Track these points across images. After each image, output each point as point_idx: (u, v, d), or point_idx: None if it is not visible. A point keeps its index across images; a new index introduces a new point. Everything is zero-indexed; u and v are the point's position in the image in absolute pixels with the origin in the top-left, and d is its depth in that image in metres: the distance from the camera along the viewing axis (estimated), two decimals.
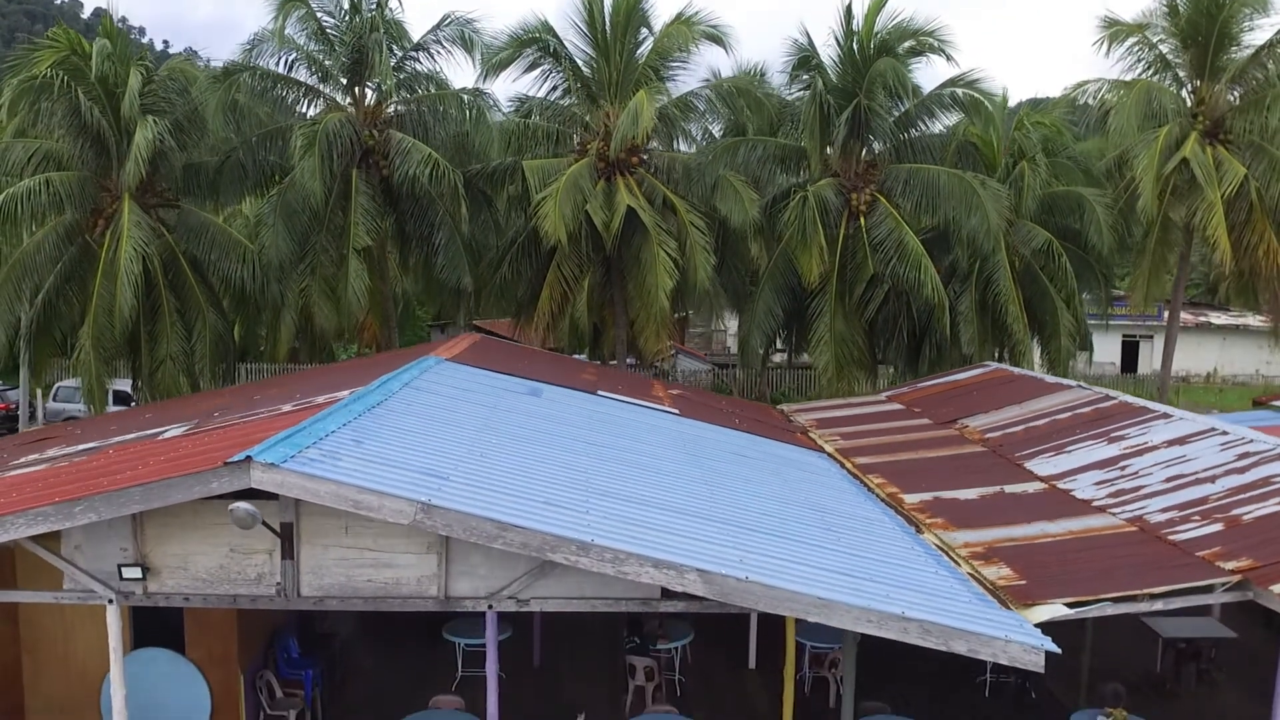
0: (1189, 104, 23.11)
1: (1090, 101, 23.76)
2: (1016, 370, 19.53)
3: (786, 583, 7.67)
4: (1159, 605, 8.96)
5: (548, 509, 8.12)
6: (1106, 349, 43.73)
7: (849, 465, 14.11)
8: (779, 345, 33.19)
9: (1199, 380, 44.93)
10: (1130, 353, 46.18)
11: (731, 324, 36.75)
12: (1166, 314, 35.08)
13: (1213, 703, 12.97)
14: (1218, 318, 48.18)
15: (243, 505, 7.37)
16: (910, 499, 12.16)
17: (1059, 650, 7.79)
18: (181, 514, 8.28)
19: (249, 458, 7.40)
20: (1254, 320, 46.18)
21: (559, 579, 8.33)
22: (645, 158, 23.04)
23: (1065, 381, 17.49)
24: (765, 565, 8.01)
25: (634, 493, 9.58)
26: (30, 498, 8.19)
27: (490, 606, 8.29)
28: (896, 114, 22.87)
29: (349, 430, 9.07)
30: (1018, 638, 7.70)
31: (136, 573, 8.28)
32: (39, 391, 28.23)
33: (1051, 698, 13.01)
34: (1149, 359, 44.46)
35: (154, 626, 11.11)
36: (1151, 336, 45.51)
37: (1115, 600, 8.75)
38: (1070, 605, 8.62)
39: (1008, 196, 21.20)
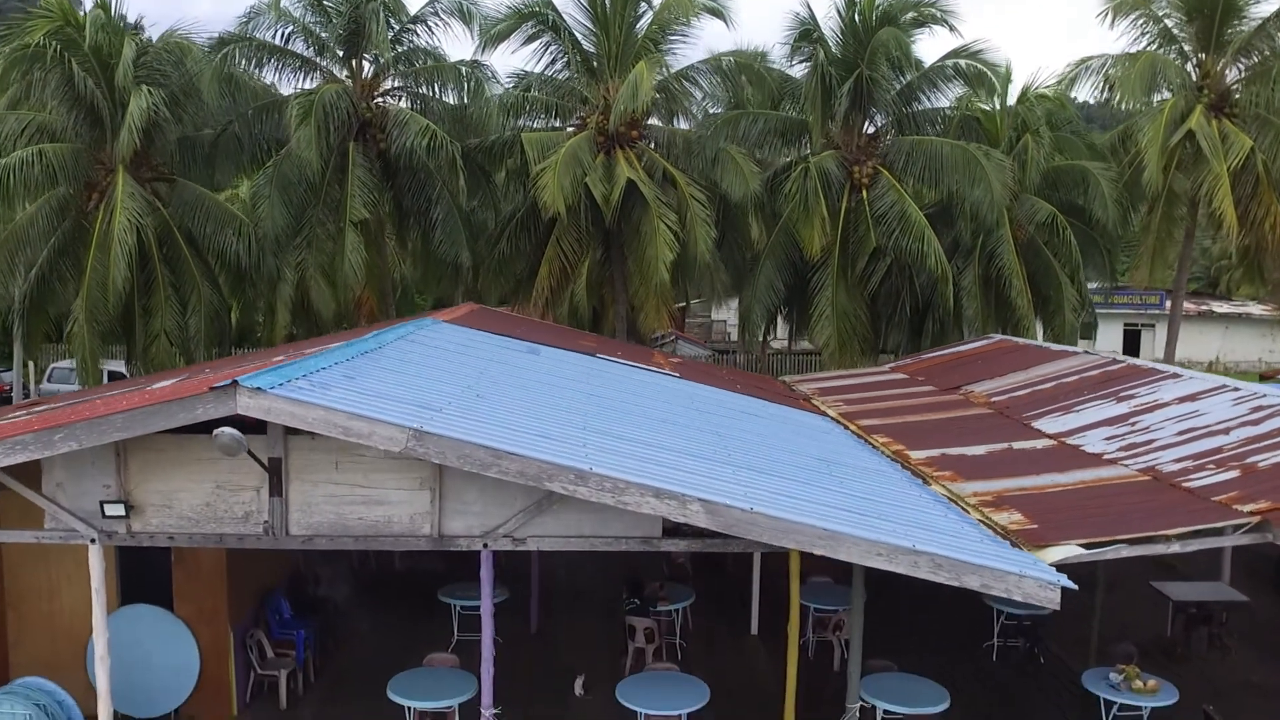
0: (1194, 78, 22.84)
1: (1093, 82, 23.46)
2: (1021, 340, 19.28)
3: (793, 515, 7.41)
4: (1176, 547, 8.69)
5: (544, 441, 7.86)
6: (1109, 338, 43.58)
7: (853, 427, 13.84)
8: (779, 329, 32.95)
9: (1201, 368, 44.68)
10: (1132, 342, 45.97)
11: (731, 315, 36.53)
12: (1169, 303, 34.94)
13: (1224, 666, 12.70)
14: (1220, 306, 47.97)
15: (228, 430, 7.11)
16: (917, 455, 11.89)
17: (1075, 587, 7.54)
18: (166, 449, 8.03)
19: (235, 383, 7.14)
20: (1256, 309, 46.00)
21: (556, 516, 8.07)
22: (645, 132, 22.81)
23: (1070, 349, 17.24)
24: (771, 501, 7.74)
25: (635, 435, 9.33)
26: (8, 429, 7.93)
27: (485, 545, 8.03)
28: (899, 86, 22.60)
29: (341, 368, 8.81)
30: (1033, 573, 7.44)
31: (120, 510, 8.02)
32: (32, 373, 27.96)
33: (1060, 662, 12.75)
34: (1151, 348, 44.24)
35: (141, 582, 10.86)
36: (1153, 325, 45.35)
37: (1131, 542, 8.47)
38: (1085, 546, 8.35)
39: (1011, 168, 20.92)
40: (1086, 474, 10.55)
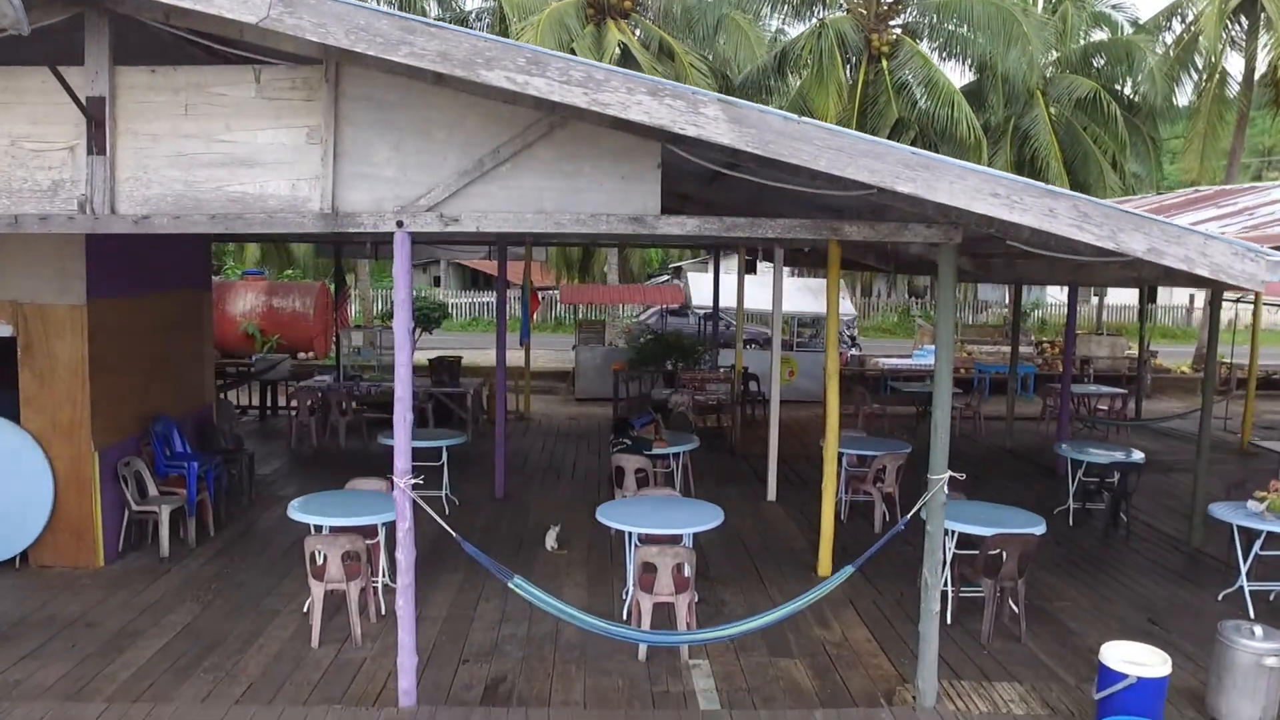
0: None
1: None
2: None
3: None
4: None
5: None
6: (1123, 293, 41.19)
7: None
8: None
9: None
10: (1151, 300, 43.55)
11: None
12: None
13: None
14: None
15: None
16: None
17: None
18: None
19: None
20: None
21: (504, 184, 5.54)
22: (640, 1, 20.42)
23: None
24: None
25: None
26: None
27: (400, 225, 5.48)
28: None
29: None
30: (1224, 239, 4.94)
31: None
32: None
33: (1152, 528, 10.27)
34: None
35: None
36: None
37: None
38: None
39: (1054, 24, 18.49)
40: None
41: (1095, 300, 29.77)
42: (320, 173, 5.50)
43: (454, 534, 5.86)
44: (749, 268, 14.12)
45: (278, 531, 9.41)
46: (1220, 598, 7.95)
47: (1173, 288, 33.65)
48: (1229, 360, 19.04)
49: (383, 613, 7.32)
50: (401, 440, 5.54)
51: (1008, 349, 17.02)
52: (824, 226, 5.58)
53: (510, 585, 5.76)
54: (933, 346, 11.70)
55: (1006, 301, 30.65)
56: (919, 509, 5.82)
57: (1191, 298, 39.17)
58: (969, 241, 7.86)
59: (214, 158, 5.53)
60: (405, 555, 5.60)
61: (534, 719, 5.67)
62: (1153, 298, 37.82)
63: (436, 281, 40.65)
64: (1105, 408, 15.46)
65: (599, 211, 5.52)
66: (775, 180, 5.66)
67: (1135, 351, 19.35)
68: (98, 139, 5.50)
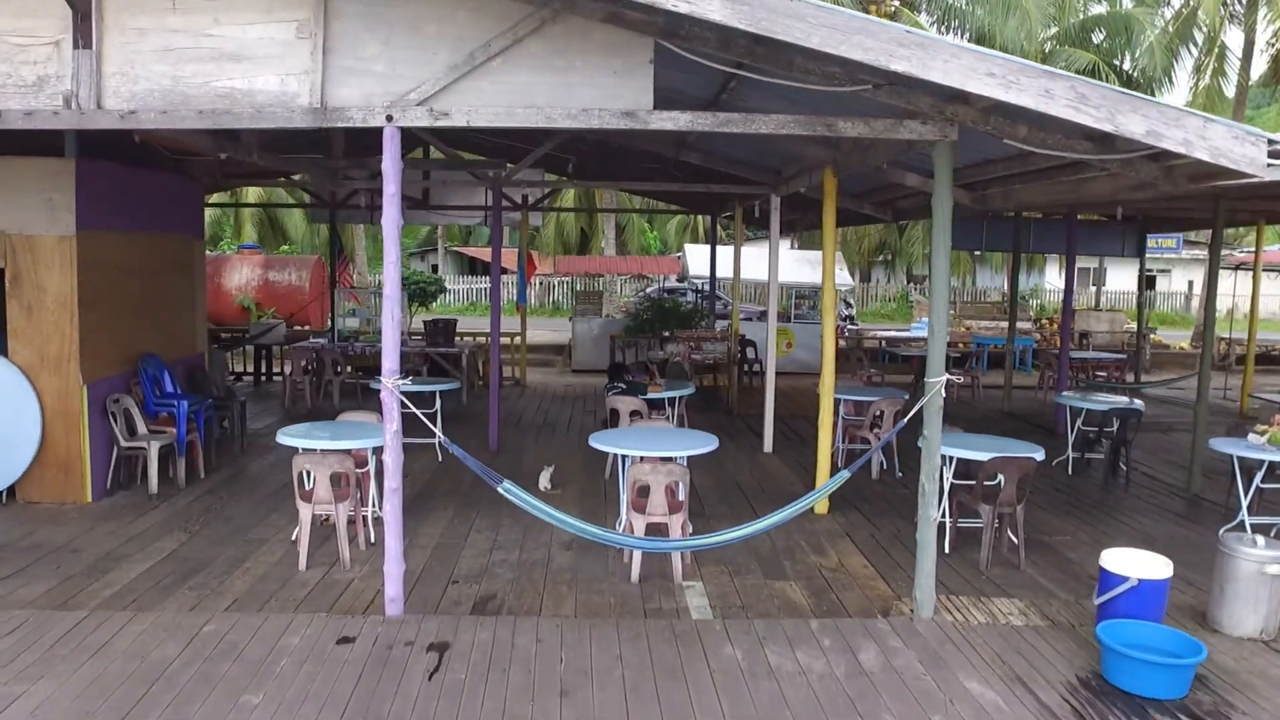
0: None
1: None
2: None
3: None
4: None
5: None
6: (1122, 280, 41.16)
7: None
8: None
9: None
10: (1149, 288, 43.53)
11: None
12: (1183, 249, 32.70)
13: None
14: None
15: None
16: None
17: None
18: None
19: None
20: None
21: (495, 79, 5.46)
22: None
23: None
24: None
25: None
26: None
27: (389, 119, 5.39)
28: None
29: None
30: (1222, 122, 4.86)
31: None
32: None
33: (1153, 477, 10.19)
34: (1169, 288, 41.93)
35: None
36: (1170, 270, 42.97)
37: None
38: None
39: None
40: None
41: (1094, 289, 29.75)
42: (309, 67, 5.42)
43: (441, 436, 5.78)
44: (749, 220, 13.98)
45: (270, 474, 9.34)
46: (1221, 533, 7.85)
47: (1176, 234, 33.74)
48: (1228, 337, 18.98)
49: (372, 541, 7.23)
50: (390, 340, 5.45)
51: (1006, 324, 16.94)
52: (818, 122, 5.50)
53: (499, 489, 5.67)
54: None
55: (1004, 288, 30.59)
56: (918, 408, 5.72)
57: (1190, 284, 39.19)
58: (963, 170, 7.81)
59: (202, 52, 5.45)
60: (393, 457, 5.51)
61: (523, 628, 5.57)
62: (1151, 284, 37.82)
63: (434, 269, 40.59)
64: (1104, 374, 15.39)
65: (590, 106, 5.44)
66: (771, 78, 5.59)
67: (1134, 326, 19.27)
68: (84, 33, 5.42)
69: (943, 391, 5.56)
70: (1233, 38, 20.38)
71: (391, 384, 5.42)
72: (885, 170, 8.11)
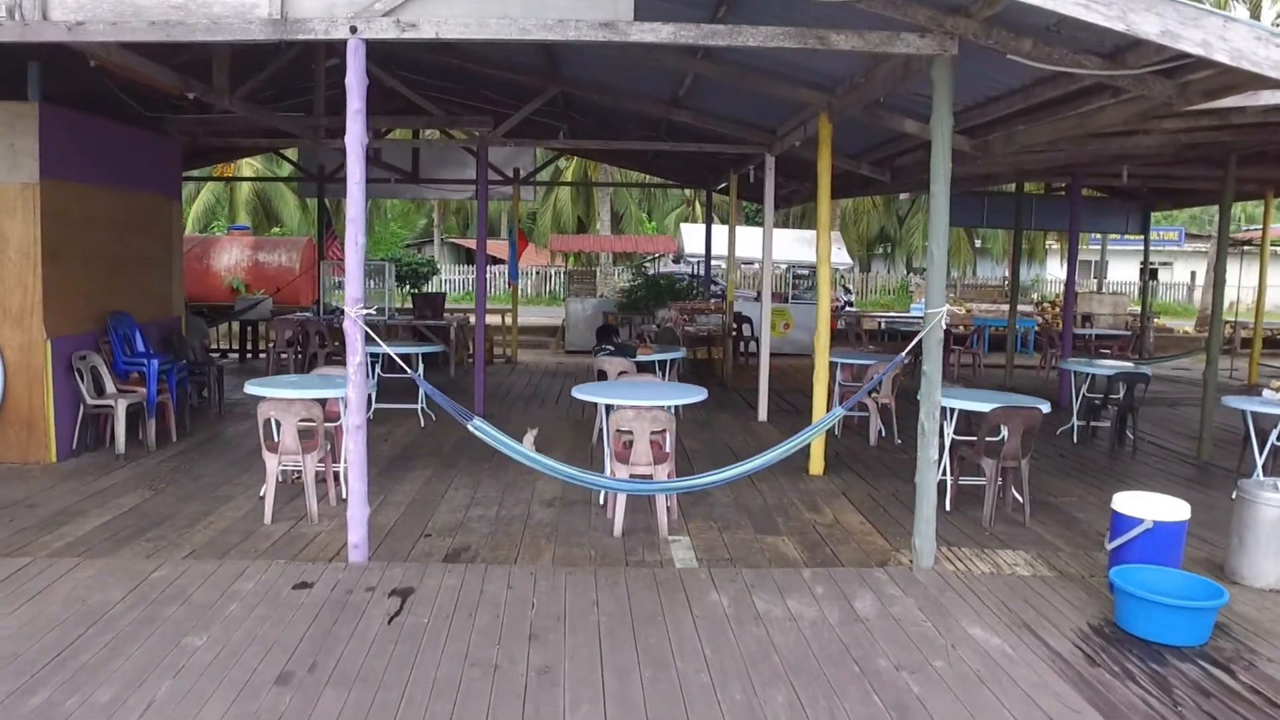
0: None
1: None
2: None
3: None
4: None
5: None
6: (1123, 273, 40.84)
7: None
8: None
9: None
10: (1152, 278, 43.18)
11: None
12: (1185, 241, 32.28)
13: None
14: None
15: None
16: None
17: None
18: None
19: None
20: None
21: None
22: None
23: None
24: None
25: None
26: None
27: (353, 31, 5.05)
28: None
29: None
30: (1245, 21, 4.51)
31: None
32: None
33: (1159, 446, 9.84)
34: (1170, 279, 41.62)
35: None
36: (1171, 263, 42.64)
37: None
38: None
39: None
40: None
41: (1095, 281, 29.39)
42: None
43: (410, 371, 5.45)
44: (744, 191, 13.65)
45: (245, 439, 8.99)
46: (1234, 495, 7.51)
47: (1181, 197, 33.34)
48: (1233, 321, 18.63)
49: (344, 498, 6.84)
50: (353, 265, 5.10)
51: (1007, 307, 16.60)
52: (809, 35, 5.15)
53: (469, 427, 5.33)
54: None
55: (1005, 278, 30.22)
56: (916, 342, 5.37)
57: (1193, 275, 38.84)
58: (963, 113, 7.44)
59: None
60: (356, 393, 5.17)
61: (494, 575, 5.23)
62: (1154, 275, 37.49)
63: (431, 260, 40.24)
64: (1108, 350, 15.04)
65: (567, 17, 5.09)
66: None
67: (1137, 309, 18.93)
68: None
69: (944, 321, 5.21)
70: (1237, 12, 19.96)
71: (354, 312, 5.08)
72: (883, 116, 7.75)
